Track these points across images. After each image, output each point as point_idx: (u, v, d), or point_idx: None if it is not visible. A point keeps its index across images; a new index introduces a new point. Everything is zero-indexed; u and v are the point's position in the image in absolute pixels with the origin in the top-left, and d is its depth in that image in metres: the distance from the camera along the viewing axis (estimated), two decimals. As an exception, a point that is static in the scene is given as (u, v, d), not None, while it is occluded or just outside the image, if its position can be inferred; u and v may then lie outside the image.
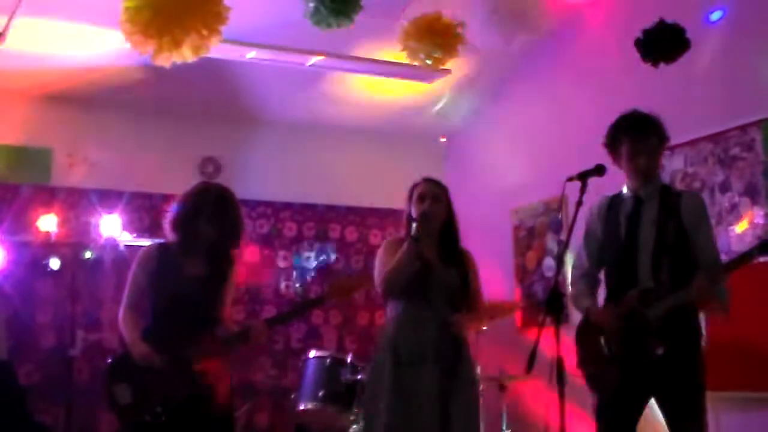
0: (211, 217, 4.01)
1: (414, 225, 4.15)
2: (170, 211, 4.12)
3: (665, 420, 3.67)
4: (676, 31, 4.88)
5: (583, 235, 3.99)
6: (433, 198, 4.24)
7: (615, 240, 3.88)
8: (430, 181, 4.34)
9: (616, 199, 3.96)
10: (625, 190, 3.94)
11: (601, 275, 4.03)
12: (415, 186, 4.32)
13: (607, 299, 3.90)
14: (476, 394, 4.24)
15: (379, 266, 4.27)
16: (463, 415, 4.05)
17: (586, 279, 3.99)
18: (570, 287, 4.09)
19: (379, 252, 4.34)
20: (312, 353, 5.65)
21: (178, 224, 4.07)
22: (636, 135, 3.83)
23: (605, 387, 3.79)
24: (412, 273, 4.12)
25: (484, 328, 5.52)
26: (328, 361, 5.51)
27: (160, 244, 4.15)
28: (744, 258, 3.57)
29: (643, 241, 3.78)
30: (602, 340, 3.77)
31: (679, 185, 5.34)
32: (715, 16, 5.28)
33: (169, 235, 4.11)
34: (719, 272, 3.62)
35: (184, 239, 4.06)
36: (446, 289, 4.18)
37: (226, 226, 4.06)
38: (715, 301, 3.65)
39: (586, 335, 3.88)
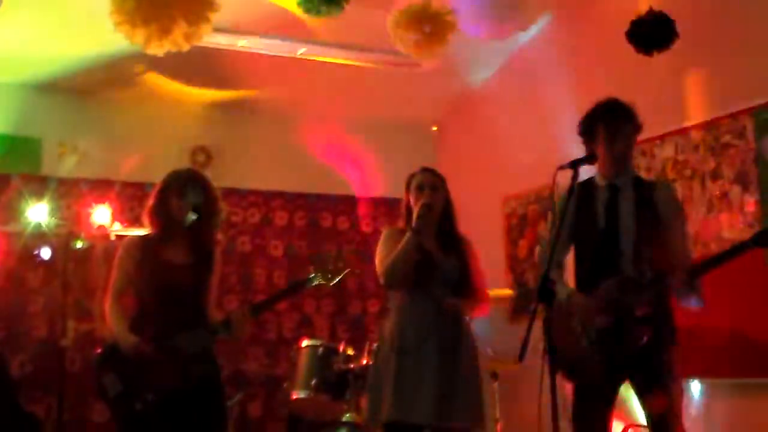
0: (180, 195, 4.00)
1: (415, 215, 4.18)
2: (146, 206, 4.12)
3: (642, 406, 3.70)
4: (664, 19, 4.88)
5: (557, 223, 3.96)
6: (432, 187, 4.27)
7: (592, 229, 3.88)
8: (427, 171, 4.37)
9: (588, 186, 3.94)
10: (597, 178, 3.94)
11: (566, 260, 4.03)
12: (412, 176, 4.36)
13: (578, 286, 3.90)
14: (478, 371, 4.26)
15: (380, 257, 4.30)
16: (465, 394, 4.11)
17: (557, 265, 3.94)
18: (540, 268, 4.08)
19: (379, 243, 4.37)
20: (304, 342, 5.65)
21: (154, 211, 4.06)
22: (612, 121, 3.84)
23: (585, 374, 3.78)
24: (413, 264, 4.15)
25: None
26: (320, 350, 5.50)
27: (143, 236, 4.14)
28: (716, 261, 3.56)
29: (624, 231, 3.78)
30: (579, 329, 3.76)
31: (670, 173, 5.35)
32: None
33: (148, 227, 4.10)
34: (692, 269, 3.60)
35: (162, 226, 4.05)
36: (448, 278, 4.22)
37: (201, 205, 4.03)
38: (693, 295, 3.64)
39: (559, 322, 3.84)
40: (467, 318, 4.32)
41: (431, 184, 4.29)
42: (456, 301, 4.22)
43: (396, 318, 4.24)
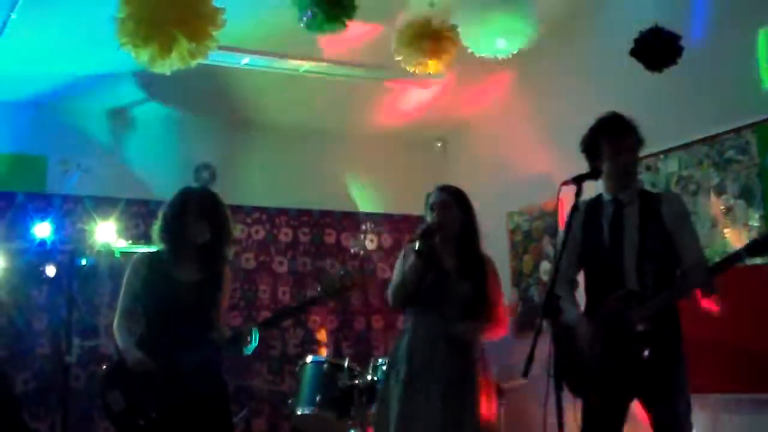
0: (198, 217, 4.01)
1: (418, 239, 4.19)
2: (157, 221, 4.13)
3: (651, 422, 3.67)
4: (668, 35, 4.89)
5: (563, 238, 3.97)
6: (442, 207, 4.26)
7: (598, 245, 3.87)
8: (441, 190, 4.37)
9: (595, 203, 3.95)
10: (603, 194, 3.95)
11: (579, 277, 4.03)
12: (429, 194, 4.37)
13: (588, 303, 3.90)
14: (478, 413, 4.23)
15: (394, 274, 4.32)
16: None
17: (567, 282, 3.98)
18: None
19: (398, 259, 4.37)
20: (309, 358, 5.64)
21: (166, 230, 4.06)
22: (615, 134, 3.84)
23: (587, 390, 3.78)
24: (426, 284, 4.14)
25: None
26: (325, 366, 5.50)
27: (152, 252, 4.15)
28: (731, 259, 3.50)
29: (627, 246, 3.77)
30: (584, 345, 3.75)
31: (674, 188, 5.34)
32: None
33: (158, 244, 4.10)
34: (705, 271, 3.56)
35: (174, 244, 4.05)
36: (461, 301, 4.20)
37: (215, 226, 4.05)
38: (705, 288, 3.59)
39: (565, 338, 3.85)
40: (481, 341, 4.28)
41: (442, 203, 4.28)
42: (465, 327, 4.19)
43: (408, 339, 4.22)
